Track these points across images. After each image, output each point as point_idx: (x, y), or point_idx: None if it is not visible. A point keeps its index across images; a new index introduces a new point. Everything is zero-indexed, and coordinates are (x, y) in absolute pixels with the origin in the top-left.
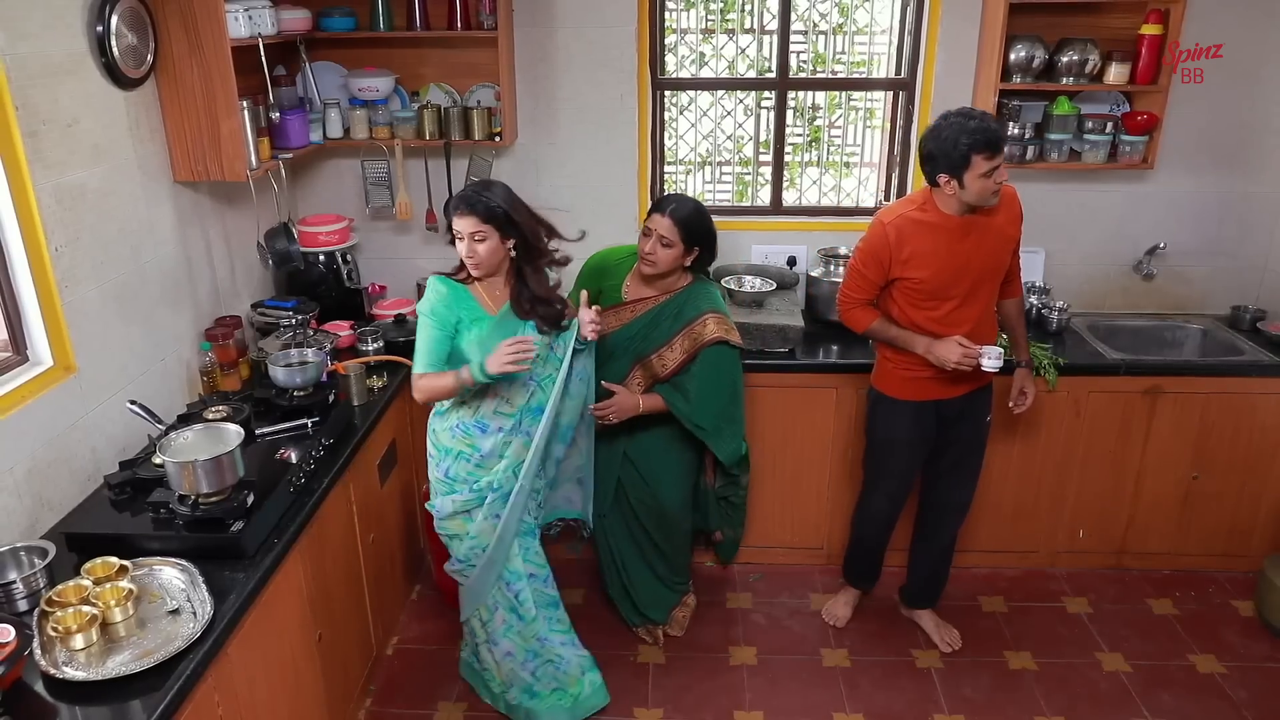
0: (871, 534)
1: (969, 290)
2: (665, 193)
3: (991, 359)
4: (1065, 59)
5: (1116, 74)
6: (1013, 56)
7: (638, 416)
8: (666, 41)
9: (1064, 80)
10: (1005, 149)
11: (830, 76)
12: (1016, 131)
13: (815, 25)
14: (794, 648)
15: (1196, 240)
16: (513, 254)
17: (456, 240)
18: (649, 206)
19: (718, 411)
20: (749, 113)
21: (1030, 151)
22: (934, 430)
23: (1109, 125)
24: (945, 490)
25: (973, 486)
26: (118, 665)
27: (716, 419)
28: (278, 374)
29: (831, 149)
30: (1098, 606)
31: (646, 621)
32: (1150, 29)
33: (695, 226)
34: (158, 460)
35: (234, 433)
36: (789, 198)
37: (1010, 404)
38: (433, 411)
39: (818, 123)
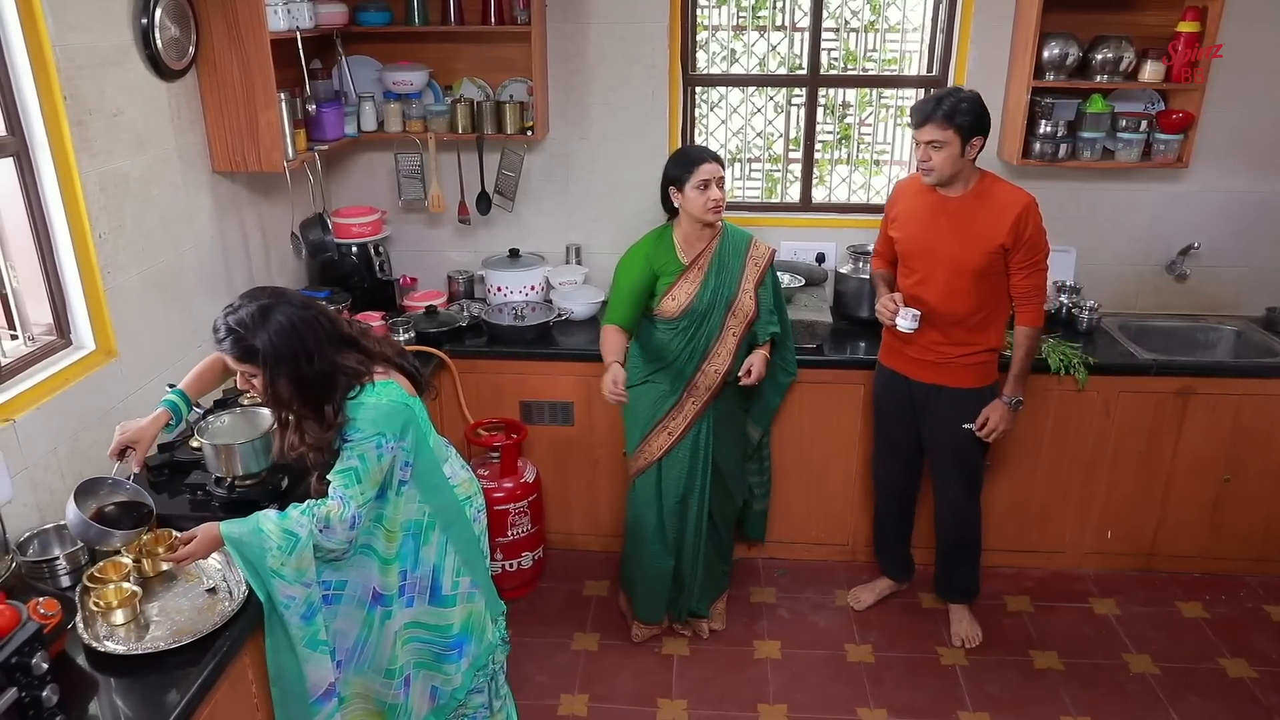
0: (879, 504)
1: (928, 271)
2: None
3: (904, 319)
4: (1099, 56)
5: (1152, 72)
6: (1046, 54)
7: (718, 417)
8: (698, 38)
9: (1098, 78)
10: (929, 127)
11: (861, 74)
12: (1049, 129)
13: (846, 23)
14: (818, 642)
15: (1231, 241)
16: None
17: None
18: (682, 167)
19: (782, 317)
20: (779, 109)
21: (1063, 150)
22: (909, 408)
23: (1143, 123)
24: (936, 488)
25: (959, 492)
26: (156, 640)
27: (783, 323)
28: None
29: (862, 146)
30: (1125, 608)
31: (690, 616)
32: (1187, 26)
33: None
34: (195, 443)
35: (269, 417)
36: (818, 195)
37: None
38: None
39: (848, 120)
